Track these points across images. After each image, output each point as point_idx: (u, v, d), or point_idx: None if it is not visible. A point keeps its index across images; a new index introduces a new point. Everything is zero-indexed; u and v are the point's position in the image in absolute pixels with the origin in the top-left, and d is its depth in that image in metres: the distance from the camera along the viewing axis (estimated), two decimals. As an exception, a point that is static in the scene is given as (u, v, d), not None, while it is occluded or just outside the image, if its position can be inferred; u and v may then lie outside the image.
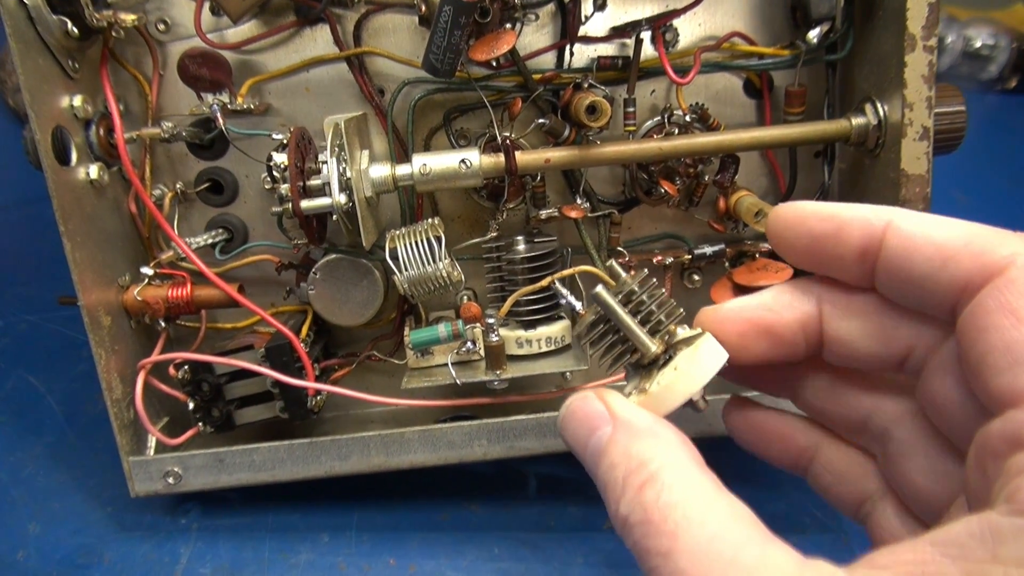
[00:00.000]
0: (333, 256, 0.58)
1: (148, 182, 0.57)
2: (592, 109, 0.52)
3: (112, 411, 0.53)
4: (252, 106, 0.56)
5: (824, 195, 0.58)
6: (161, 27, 0.56)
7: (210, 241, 0.59)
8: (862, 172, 0.56)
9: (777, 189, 0.61)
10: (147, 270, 0.56)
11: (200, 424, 0.57)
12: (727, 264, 0.59)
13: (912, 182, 0.49)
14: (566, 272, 0.54)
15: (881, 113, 0.52)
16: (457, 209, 0.61)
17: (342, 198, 0.51)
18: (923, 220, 0.28)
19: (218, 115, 0.53)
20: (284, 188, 0.51)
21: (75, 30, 0.49)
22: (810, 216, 0.31)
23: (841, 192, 0.60)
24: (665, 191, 0.56)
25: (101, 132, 0.54)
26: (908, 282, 0.28)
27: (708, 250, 0.58)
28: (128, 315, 0.56)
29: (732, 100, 0.59)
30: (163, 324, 0.57)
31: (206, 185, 0.59)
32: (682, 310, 0.36)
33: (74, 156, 0.51)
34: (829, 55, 0.56)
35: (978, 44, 1.13)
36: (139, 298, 0.55)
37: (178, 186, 0.59)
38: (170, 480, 0.55)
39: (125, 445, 0.55)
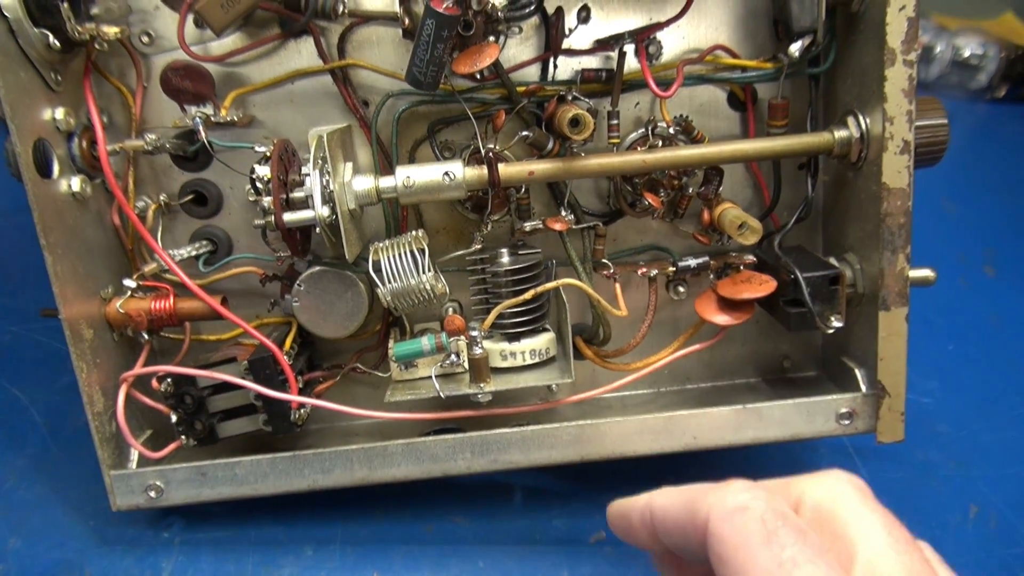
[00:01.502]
0: (317, 268, 0.57)
1: (131, 194, 0.57)
2: (575, 122, 0.52)
3: (93, 424, 0.53)
4: (236, 118, 0.56)
5: (808, 208, 0.58)
6: (145, 39, 0.56)
7: (194, 253, 0.59)
8: (845, 185, 0.56)
9: (762, 201, 0.61)
10: (130, 282, 0.56)
11: (183, 437, 0.56)
12: (712, 276, 0.59)
13: (893, 196, 0.49)
14: (550, 285, 0.54)
15: (863, 126, 0.52)
16: (442, 221, 0.61)
17: (325, 211, 0.51)
18: (666, 494, 0.32)
19: (200, 127, 0.53)
20: (267, 201, 0.51)
21: (57, 43, 0.49)
22: (614, 515, 0.36)
23: (825, 205, 0.60)
24: (649, 203, 0.56)
25: (84, 144, 0.53)
26: (678, 548, 0.31)
27: (692, 262, 0.58)
28: (110, 328, 0.56)
29: (716, 112, 0.59)
30: (146, 336, 0.57)
31: (190, 197, 0.59)
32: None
33: (56, 169, 0.51)
34: (812, 68, 0.56)
35: (967, 53, 1.14)
36: (122, 310, 0.55)
37: (162, 198, 0.58)
38: (152, 494, 0.55)
39: (106, 458, 0.54)
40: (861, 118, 0.52)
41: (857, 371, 0.56)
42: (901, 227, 0.50)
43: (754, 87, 0.58)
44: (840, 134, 0.53)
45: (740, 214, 0.55)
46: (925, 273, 0.54)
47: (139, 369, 0.56)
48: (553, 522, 0.60)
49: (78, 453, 0.63)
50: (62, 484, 0.61)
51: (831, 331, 0.53)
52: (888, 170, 0.49)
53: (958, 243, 0.89)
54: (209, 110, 0.56)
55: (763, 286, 0.54)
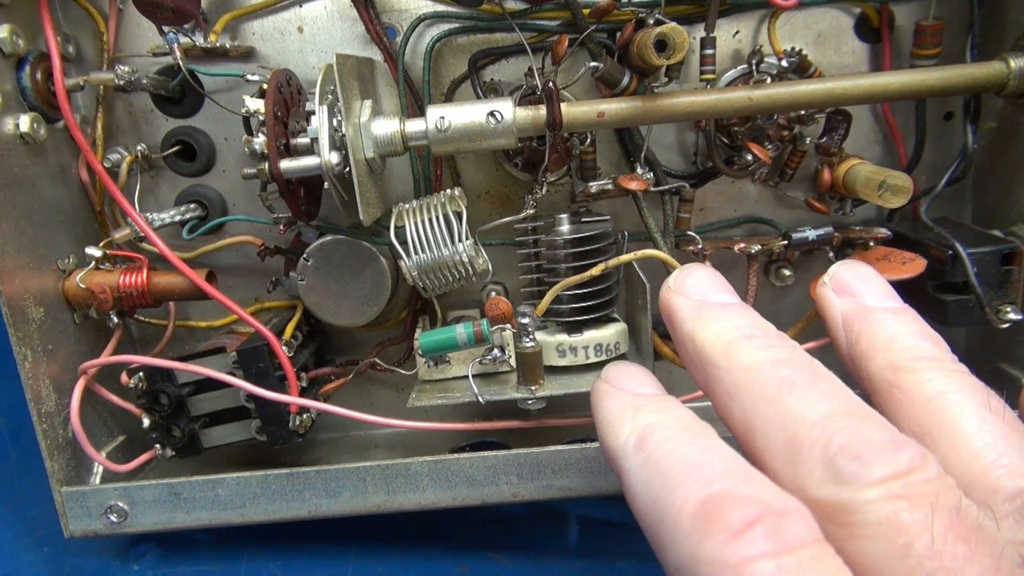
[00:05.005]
0: (330, 238, 0.46)
1: (100, 142, 0.46)
2: (662, 44, 0.39)
3: (40, 428, 0.42)
4: (228, 46, 0.44)
5: (967, 163, 0.44)
6: (120, -52, 0.45)
7: (179, 218, 0.48)
8: (1017, 134, 0.42)
9: (895, 160, 0.48)
10: (94, 251, 0.45)
11: (157, 446, 0.45)
12: (831, 255, 0.46)
13: (1113, 136, 0.36)
14: (625, 257, 0.41)
15: (1055, 49, 0.39)
16: (484, 183, 0.49)
17: (334, 158, 0.39)
18: None
19: (176, 47, 0.41)
20: (259, 143, 0.39)
21: (-6, -66, 0.38)
22: None
23: (979, 164, 0.47)
24: (754, 156, 0.43)
25: (38, 76, 0.43)
26: None
27: (811, 234, 0.44)
28: (70, 306, 0.45)
29: (839, 45, 0.46)
30: (116, 319, 0.46)
31: (175, 149, 0.48)
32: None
33: (-4, 101, 0.41)
34: (975, -21, 0.43)
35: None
36: (82, 285, 0.44)
37: (140, 149, 0.47)
38: (112, 517, 0.43)
39: (57, 472, 0.43)
40: (1050, 39, 0.39)
41: (1027, 382, 0.43)
42: (1121, 181, 0.36)
43: (891, 9, 0.45)
44: (1018, 63, 0.40)
45: (877, 170, 0.42)
46: None
47: (104, 359, 0.45)
48: (617, 564, 0.48)
49: (40, 463, 0.52)
50: (17, 501, 0.51)
51: (1006, 326, 0.39)
52: (1106, 100, 0.36)
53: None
54: (199, 39, 0.45)
55: (908, 265, 0.41)
